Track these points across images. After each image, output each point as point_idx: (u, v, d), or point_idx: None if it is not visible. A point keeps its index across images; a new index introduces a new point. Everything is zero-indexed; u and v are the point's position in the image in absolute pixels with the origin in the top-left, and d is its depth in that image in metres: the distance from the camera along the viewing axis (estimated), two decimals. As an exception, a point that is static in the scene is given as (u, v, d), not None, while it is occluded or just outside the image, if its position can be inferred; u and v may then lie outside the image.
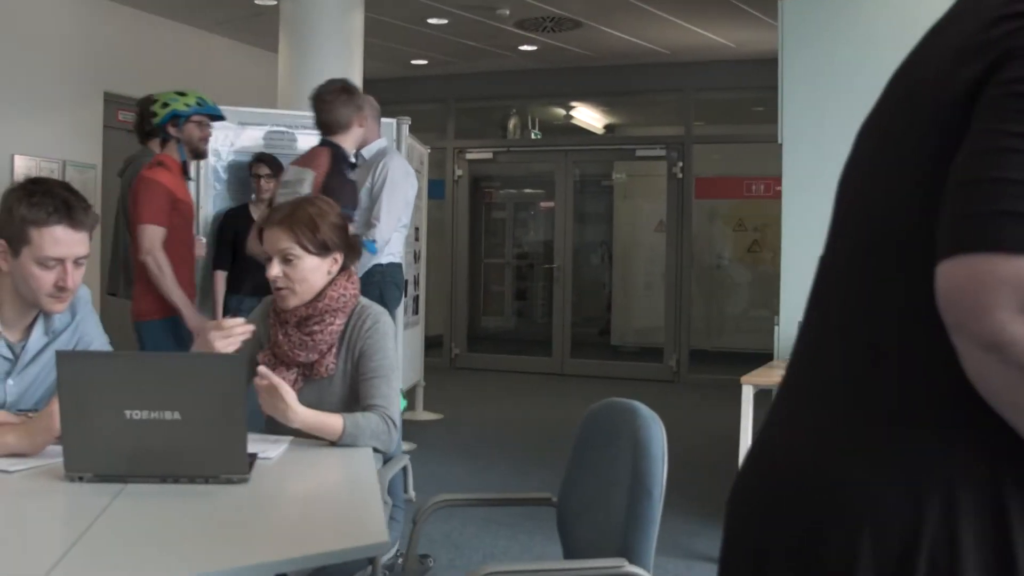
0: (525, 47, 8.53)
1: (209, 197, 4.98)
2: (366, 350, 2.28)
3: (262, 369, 2.02)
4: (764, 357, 10.40)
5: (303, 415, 2.05)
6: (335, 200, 3.09)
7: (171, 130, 4.08)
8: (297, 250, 2.27)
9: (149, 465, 1.69)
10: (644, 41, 8.31)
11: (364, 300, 2.38)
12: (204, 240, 4.61)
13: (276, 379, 2.01)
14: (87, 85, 6.79)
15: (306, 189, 3.63)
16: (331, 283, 2.31)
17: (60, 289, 2.06)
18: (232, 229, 4.85)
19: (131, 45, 7.14)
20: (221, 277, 4.88)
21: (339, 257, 2.33)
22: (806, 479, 0.90)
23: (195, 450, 1.68)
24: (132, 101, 7.06)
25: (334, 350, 2.30)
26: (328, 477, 1.95)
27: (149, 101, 4.37)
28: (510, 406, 7.65)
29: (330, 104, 3.89)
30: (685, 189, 9.10)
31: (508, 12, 7.25)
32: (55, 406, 1.85)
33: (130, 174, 4.33)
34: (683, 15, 7.47)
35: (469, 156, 9.87)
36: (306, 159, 3.91)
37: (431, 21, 7.62)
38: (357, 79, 5.91)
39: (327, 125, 3.91)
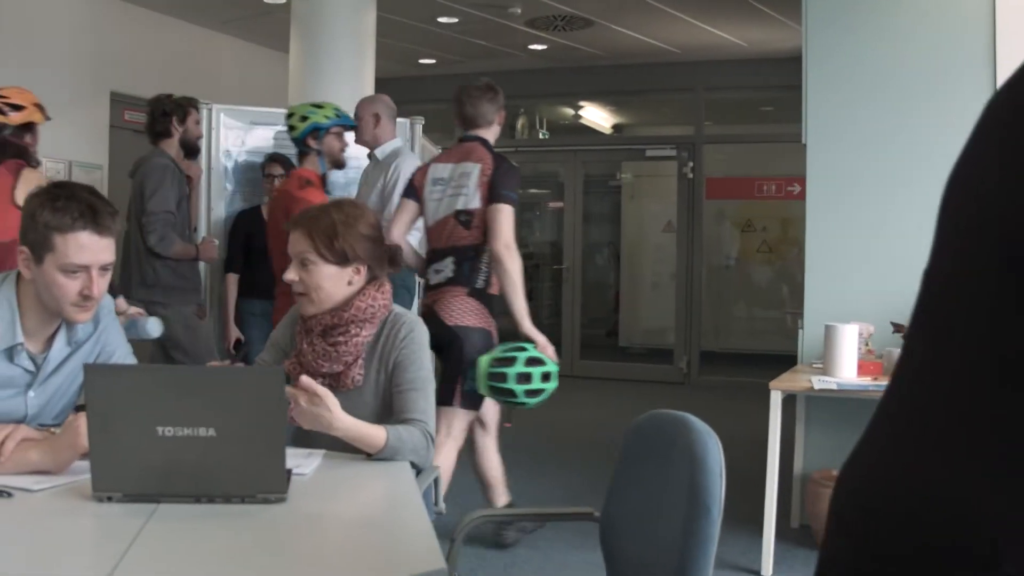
0: (535, 46, 8.44)
1: (220, 199, 4.89)
2: (401, 361, 2.19)
3: (305, 379, 1.93)
4: (773, 359, 10.32)
5: (347, 424, 1.95)
6: (506, 187, 3.57)
7: (311, 143, 4.19)
8: (313, 256, 2.19)
9: (182, 484, 1.60)
10: (655, 40, 8.23)
11: (397, 308, 2.30)
12: (217, 242, 4.52)
13: (320, 387, 1.92)
14: (93, 85, 6.71)
15: (473, 182, 3.66)
16: (359, 293, 2.22)
17: (85, 298, 1.98)
18: (244, 231, 4.77)
19: (138, 44, 7.06)
20: (233, 280, 4.79)
21: (362, 268, 2.23)
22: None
23: (231, 468, 1.59)
24: (139, 101, 7.03)
25: (360, 361, 2.21)
26: (370, 495, 1.86)
27: (160, 101, 4.30)
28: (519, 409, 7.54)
29: (477, 99, 3.91)
30: (695, 189, 9.02)
31: (520, 11, 7.16)
32: (80, 421, 1.77)
33: (141, 175, 4.24)
34: (696, 13, 7.38)
35: (477, 156, 9.77)
36: (460, 154, 3.82)
37: (441, 20, 7.54)
38: (369, 78, 5.83)
39: (472, 119, 3.90)
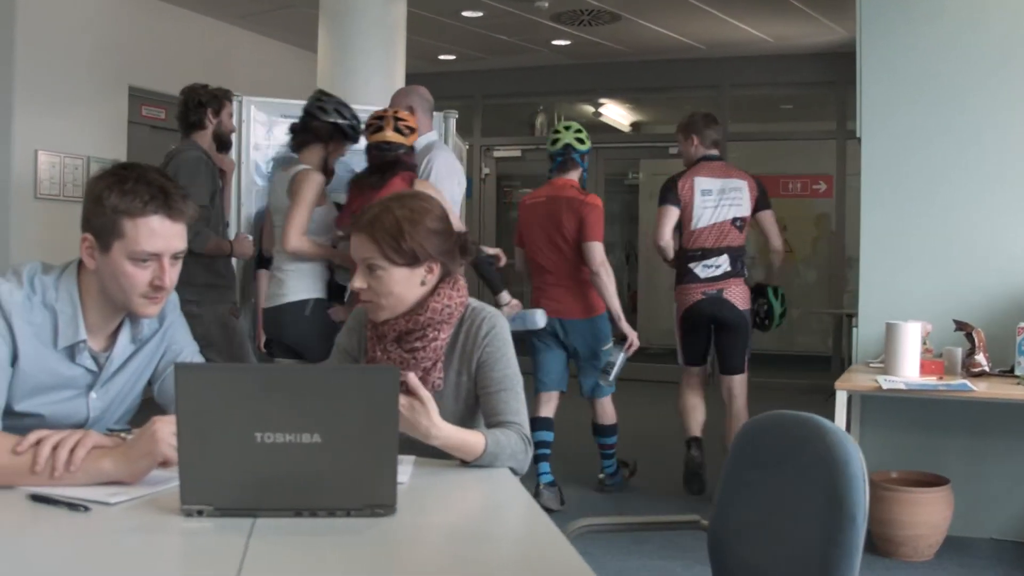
0: (558, 41, 8.29)
1: (251, 193, 4.72)
2: (487, 360, 2.01)
3: (413, 378, 1.76)
4: (800, 359, 10.12)
5: (446, 433, 1.78)
6: (768, 199, 4.77)
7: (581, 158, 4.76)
8: (381, 260, 1.97)
9: (282, 497, 1.44)
10: (681, 35, 8.08)
11: (474, 303, 2.10)
12: (251, 238, 4.36)
13: (425, 391, 1.75)
14: (111, 80, 6.57)
15: (745, 195, 4.72)
16: (434, 293, 2.03)
17: (156, 288, 1.80)
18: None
19: (156, 39, 6.93)
20: (264, 277, 4.61)
21: (435, 266, 2.03)
22: None
23: (338, 478, 1.43)
24: (157, 96, 6.90)
25: (440, 364, 2.03)
26: (482, 504, 1.69)
27: (195, 91, 4.14)
28: (533, 410, 7.38)
29: (718, 127, 4.94)
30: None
31: (547, 4, 7.00)
32: (160, 426, 1.61)
33: (173, 167, 4.06)
34: (723, 7, 7.24)
35: (497, 154, 9.62)
36: (721, 171, 4.80)
37: (466, 14, 7.38)
38: (399, 72, 5.68)
39: (717, 143, 4.88)
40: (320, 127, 3.94)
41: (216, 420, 1.42)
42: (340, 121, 3.97)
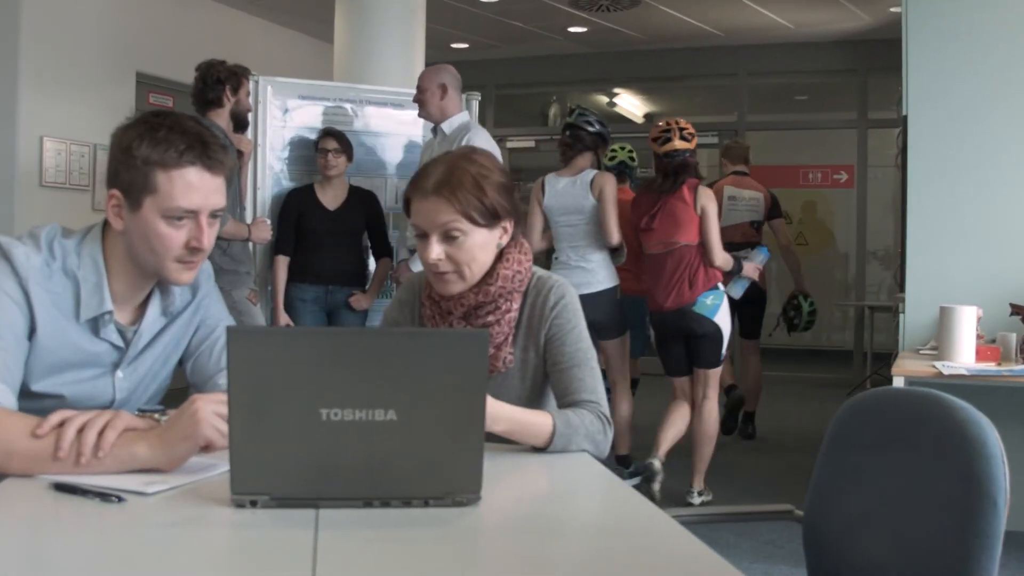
0: (574, 28, 8.10)
1: (268, 177, 4.53)
2: (557, 333, 1.80)
3: None
4: (810, 354, 9.93)
5: (509, 415, 1.59)
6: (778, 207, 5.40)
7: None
8: (463, 224, 1.74)
9: (350, 484, 1.24)
10: (699, 22, 7.89)
11: (539, 271, 1.89)
12: (269, 222, 4.17)
13: None
14: (118, 66, 6.40)
15: (760, 204, 5.83)
16: (502, 259, 1.82)
17: (192, 251, 1.59)
18: (296, 210, 4.42)
19: (164, 25, 6.76)
20: (283, 263, 4.44)
21: (509, 226, 1.83)
22: None
23: (415, 462, 1.23)
24: (165, 83, 6.70)
25: (510, 339, 1.82)
26: (574, 491, 1.48)
27: (213, 67, 3.97)
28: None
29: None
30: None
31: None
32: (200, 405, 1.40)
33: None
34: (746, -9, 7.05)
35: (510, 144, 9.42)
36: (744, 183, 5.85)
37: (484, -1, 7.20)
38: (419, 54, 5.49)
39: (748, 160, 6.02)
40: (587, 137, 4.48)
41: (274, 394, 1.21)
42: (601, 130, 4.53)
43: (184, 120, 1.59)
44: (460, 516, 1.23)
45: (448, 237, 1.75)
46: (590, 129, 4.51)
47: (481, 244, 1.77)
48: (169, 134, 1.55)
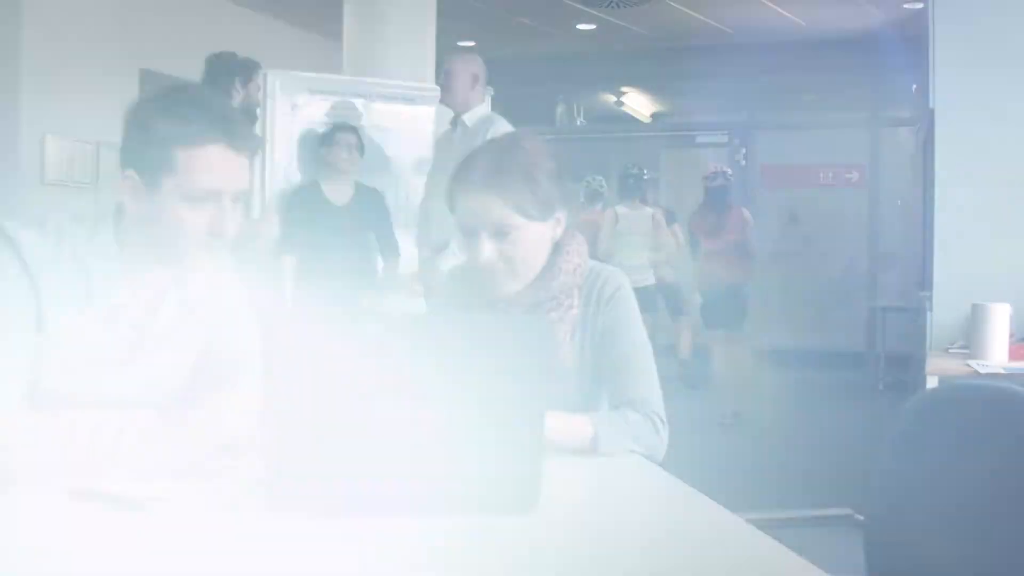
0: (583, 25, 8.01)
1: (275, 172, 4.43)
2: (611, 327, 1.67)
3: None
4: (815, 356, 9.84)
5: (548, 422, 1.47)
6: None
7: None
8: (517, 218, 1.60)
9: (395, 491, 1.12)
10: (711, 19, 7.80)
11: (593, 262, 1.75)
12: (276, 218, 4.07)
13: None
14: (122, 63, 6.30)
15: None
16: (561, 252, 1.68)
17: (215, 236, 1.49)
18: (303, 209, 4.30)
19: (168, 21, 6.69)
20: (289, 264, 4.32)
21: (562, 217, 1.69)
22: None
23: (469, 468, 1.11)
24: (169, 80, 6.62)
25: (569, 338, 1.68)
26: (634, 496, 1.36)
27: (224, 58, 3.90)
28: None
29: None
30: (748, 177, 8.59)
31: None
32: (221, 400, 1.29)
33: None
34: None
35: (518, 144, 9.33)
36: None
37: (495, -8, 7.12)
38: (430, 49, 5.41)
39: None
40: None
41: (316, 388, 1.10)
42: None
43: (207, 93, 1.47)
44: (518, 525, 1.11)
45: (500, 234, 1.62)
46: None
47: (536, 239, 1.64)
48: (189, 110, 1.43)
